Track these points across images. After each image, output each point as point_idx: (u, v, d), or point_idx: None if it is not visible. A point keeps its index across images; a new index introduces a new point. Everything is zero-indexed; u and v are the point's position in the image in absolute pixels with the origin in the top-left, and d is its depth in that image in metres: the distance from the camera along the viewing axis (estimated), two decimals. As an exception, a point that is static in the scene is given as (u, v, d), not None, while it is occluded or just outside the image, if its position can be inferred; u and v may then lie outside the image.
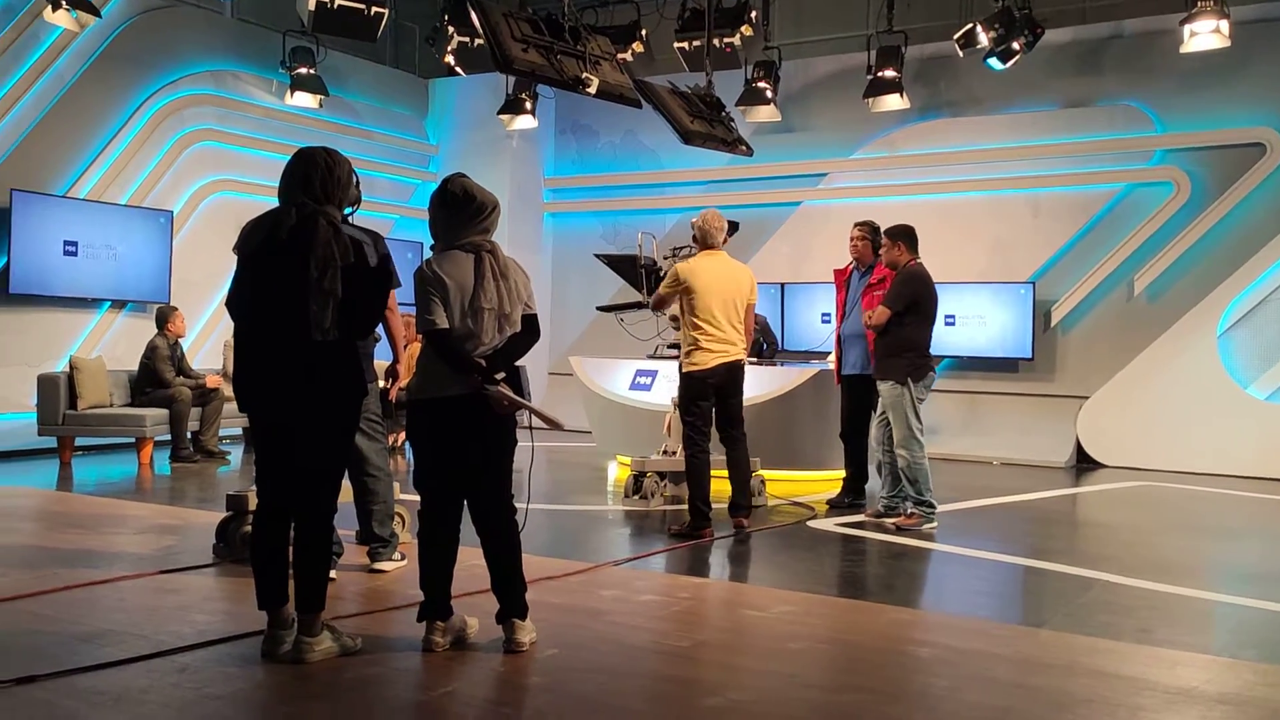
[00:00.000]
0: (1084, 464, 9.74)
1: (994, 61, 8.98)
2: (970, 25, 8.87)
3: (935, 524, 6.24)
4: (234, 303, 3.56)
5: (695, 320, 5.89)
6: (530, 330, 3.65)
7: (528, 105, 11.09)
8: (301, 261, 3.39)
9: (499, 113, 11.29)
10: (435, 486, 3.66)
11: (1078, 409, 9.87)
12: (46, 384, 8.26)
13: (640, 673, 3.56)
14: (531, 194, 12.47)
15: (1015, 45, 8.75)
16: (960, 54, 9.11)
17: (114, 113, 9.54)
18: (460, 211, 3.61)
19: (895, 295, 6.21)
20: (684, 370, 5.99)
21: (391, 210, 11.86)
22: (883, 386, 6.26)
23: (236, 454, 9.20)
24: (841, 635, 4.00)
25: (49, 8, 8.13)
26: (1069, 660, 3.70)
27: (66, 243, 9.03)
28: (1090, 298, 10.06)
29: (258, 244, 3.49)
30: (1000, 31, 8.62)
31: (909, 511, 6.29)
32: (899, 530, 6.15)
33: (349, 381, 3.52)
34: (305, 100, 10.33)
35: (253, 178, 10.61)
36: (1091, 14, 10.23)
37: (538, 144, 12.49)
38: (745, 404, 6.12)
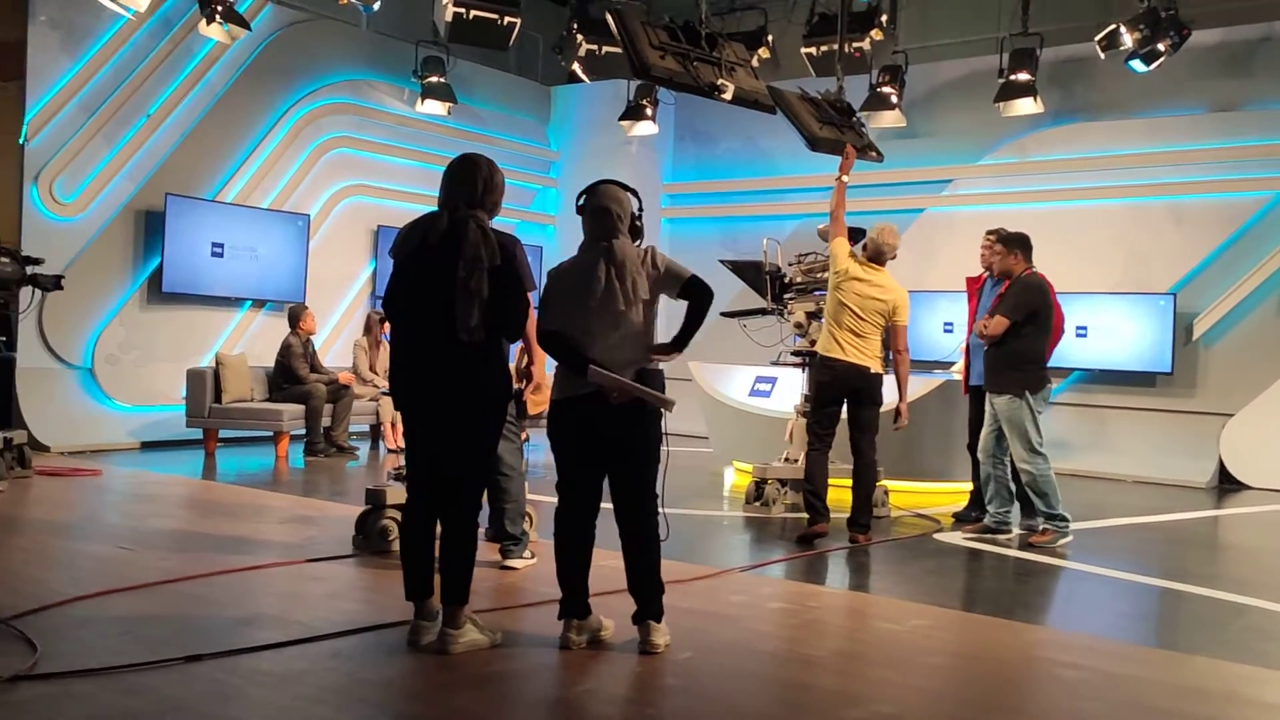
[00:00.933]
0: (1227, 485, 9.32)
1: (1137, 64, 8.68)
2: (1113, 26, 8.60)
3: (1070, 538, 6.07)
4: (389, 305, 3.69)
5: (830, 319, 6.03)
6: (699, 295, 3.65)
7: (648, 111, 11.18)
8: (452, 263, 3.50)
9: (620, 119, 11.41)
10: (573, 485, 3.72)
11: (1221, 427, 9.46)
12: (194, 379, 8.68)
13: (778, 680, 3.56)
14: (650, 199, 12.47)
15: (1160, 47, 8.45)
16: (1102, 56, 8.84)
17: (260, 120, 9.98)
18: (587, 215, 3.72)
19: (1013, 305, 6.09)
20: (815, 359, 6.15)
21: (513, 215, 12.09)
22: (999, 400, 6.11)
23: (364, 449, 9.52)
24: (982, 653, 3.93)
25: (203, 21, 8.54)
26: (1227, 689, 3.56)
27: (214, 244, 9.48)
28: (1237, 310, 9.62)
29: (413, 248, 3.61)
30: (1145, 32, 8.33)
31: (1042, 527, 6.12)
32: (1034, 547, 5.99)
33: (495, 382, 3.61)
34: (435, 108, 10.63)
35: (384, 183, 10.97)
36: (1241, 15, 9.80)
37: (656, 150, 12.57)
38: (866, 412, 6.07)
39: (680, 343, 3.66)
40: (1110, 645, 4.12)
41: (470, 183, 3.62)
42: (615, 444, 3.64)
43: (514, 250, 3.60)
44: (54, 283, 6.98)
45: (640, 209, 3.81)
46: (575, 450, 3.69)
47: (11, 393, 8.33)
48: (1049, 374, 6.15)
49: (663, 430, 3.71)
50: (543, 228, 12.67)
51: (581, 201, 3.74)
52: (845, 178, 6.36)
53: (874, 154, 7.66)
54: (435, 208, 3.71)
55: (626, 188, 3.79)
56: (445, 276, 3.50)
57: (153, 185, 9.17)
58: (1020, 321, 6.02)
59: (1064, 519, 6.08)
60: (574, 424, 3.66)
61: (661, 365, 3.73)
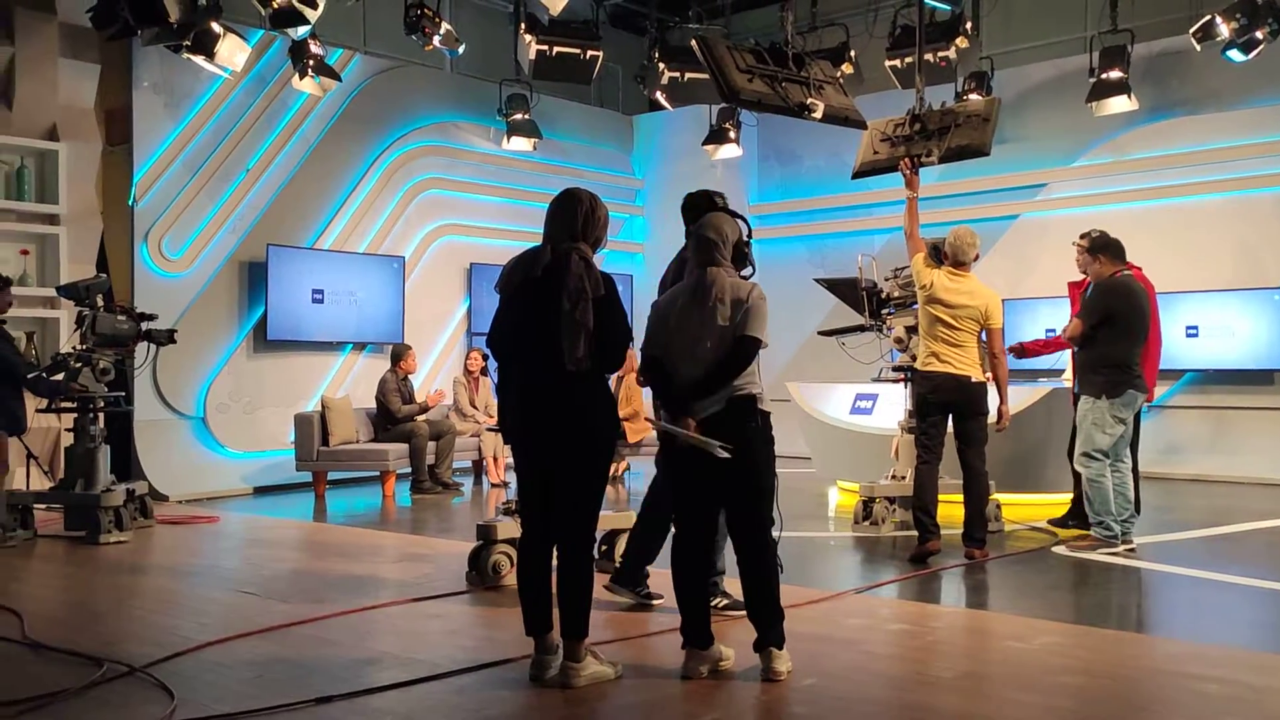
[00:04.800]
0: (1359, 483, 8.86)
1: (1235, 53, 8.38)
2: (1209, 17, 8.32)
3: (1118, 548, 5.91)
4: (494, 340, 3.73)
5: (925, 333, 5.96)
6: (735, 350, 3.61)
7: (731, 134, 11.17)
8: (556, 296, 3.54)
9: (703, 143, 11.42)
10: (687, 515, 3.71)
11: (1348, 423, 9.01)
12: (302, 423, 8.91)
13: (906, 704, 3.47)
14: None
15: (1259, 34, 8.14)
16: (1197, 48, 8.56)
17: (353, 167, 10.25)
18: (690, 243, 3.80)
19: (1088, 307, 6.08)
20: (913, 374, 6.13)
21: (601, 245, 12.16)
22: (1080, 401, 6.09)
23: (468, 485, 9.62)
24: (1116, 670, 3.78)
25: (296, 76, 8.83)
26: (1387, 700, 3.36)
27: (314, 291, 9.75)
28: (1357, 300, 9.19)
29: (518, 282, 3.66)
30: (1242, 21, 8.04)
31: (1091, 532, 6.07)
32: (1072, 550, 5.97)
33: (603, 412, 3.63)
34: (521, 144, 10.78)
35: (475, 220, 11.16)
36: (1344, -7, 9.39)
37: (741, 172, 12.53)
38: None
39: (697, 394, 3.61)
40: (1251, 657, 3.94)
41: (571, 216, 3.68)
42: (725, 472, 3.61)
43: (614, 286, 3.65)
44: (168, 337, 7.24)
45: (748, 235, 3.83)
46: (686, 480, 3.69)
47: (131, 445, 8.66)
48: (1135, 380, 5.96)
49: (773, 455, 3.68)
50: (631, 256, 12.73)
51: (690, 233, 3.85)
52: (912, 193, 6.26)
53: (924, 156, 6.89)
54: (527, 242, 3.80)
55: (736, 215, 3.83)
56: (550, 309, 3.54)
57: (254, 237, 9.47)
58: (1095, 324, 5.96)
59: (1110, 530, 5.96)
60: (683, 454, 3.66)
61: (753, 390, 3.66)
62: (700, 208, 4.23)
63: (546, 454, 3.63)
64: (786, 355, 12.02)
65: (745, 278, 3.80)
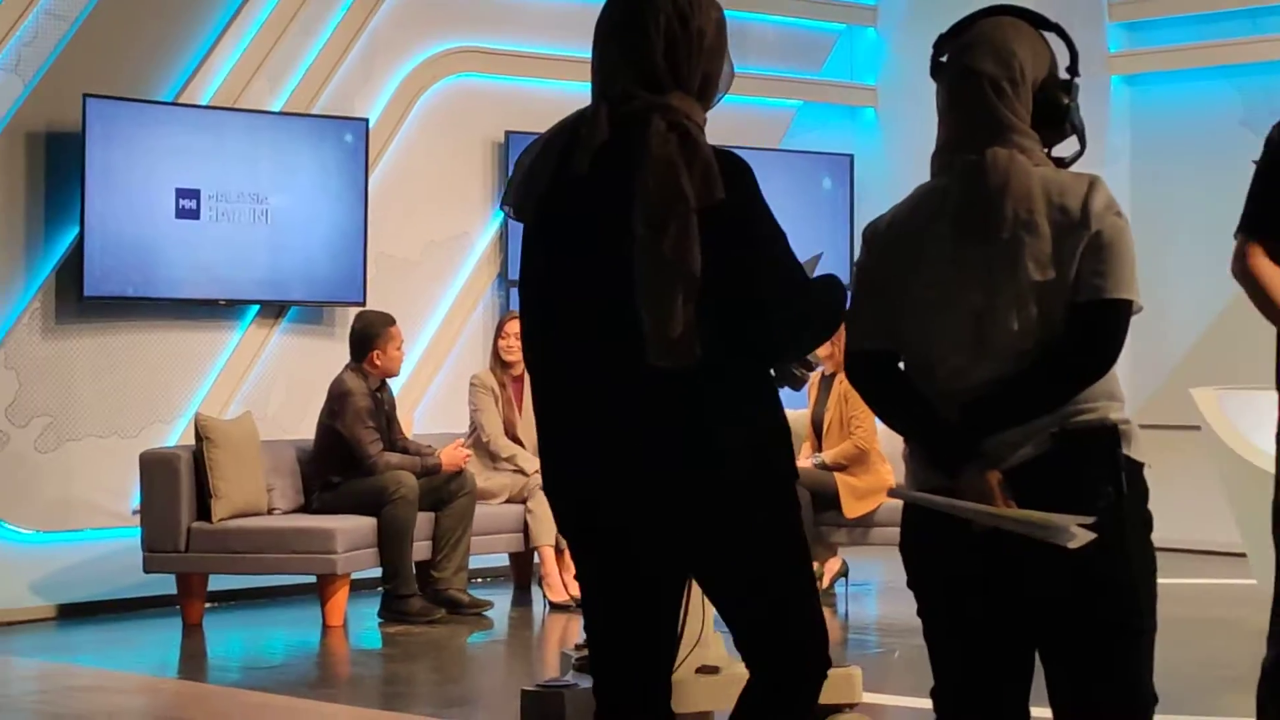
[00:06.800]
0: None
1: None
2: None
3: None
4: (526, 311, 3.82)
5: None
6: (1079, 331, 3.54)
7: None
8: (621, 209, 3.56)
9: None
10: (962, 688, 3.70)
11: None
12: (155, 473, 9.02)
13: None
14: (1085, 39, 12.33)
15: None
16: None
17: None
18: (942, 89, 3.69)
19: None
20: None
21: (780, 92, 12.12)
22: None
23: (502, 604, 9.69)
24: None
25: None
26: None
27: (181, 194, 9.87)
28: None
29: (543, 188, 3.70)
30: None
31: None
32: None
33: (751, 448, 3.63)
34: None
35: (517, 42, 11.29)
36: None
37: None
38: None
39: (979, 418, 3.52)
40: None
41: (642, 41, 3.66)
42: (1053, 601, 3.57)
43: (751, 177, 3.65)
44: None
45: (1072, 68, 3.77)
46: (965, 617, 3.66)
47: None
48: None
49: (1153, 554, 3.63)
50: (850, 114, 12.73)
51: (942, 59, 3.75)
52: None
53: None
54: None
55: (1042, 23, 3.77)
56: (610, 238, 3.58)
57: (56, 81, 9.60)
58: None
59: None
60: (954, 560, 3.62)
61: (1111, 414, 3.58)
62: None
63: (642, 551, 3.69)
64: (1189, 333, 11.77)
65: (1064, 163, 3.71)
